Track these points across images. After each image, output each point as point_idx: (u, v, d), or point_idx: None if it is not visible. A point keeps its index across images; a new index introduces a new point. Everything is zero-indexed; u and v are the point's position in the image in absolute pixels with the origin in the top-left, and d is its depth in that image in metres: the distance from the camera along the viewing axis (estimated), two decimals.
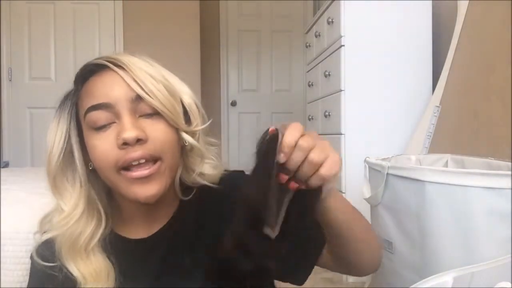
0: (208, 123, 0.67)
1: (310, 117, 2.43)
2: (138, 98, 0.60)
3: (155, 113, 0.61)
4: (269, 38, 4.17)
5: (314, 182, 0.48)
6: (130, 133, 0.57)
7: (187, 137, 0.63)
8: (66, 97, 0.66)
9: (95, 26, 3.41)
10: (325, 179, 0.47)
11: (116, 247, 0.65)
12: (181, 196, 0.68)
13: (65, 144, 0.63)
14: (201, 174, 0.67)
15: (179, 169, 0.66)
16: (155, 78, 0.61)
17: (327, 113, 2.02)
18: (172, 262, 0.66)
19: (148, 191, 0.59)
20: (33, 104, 3.34)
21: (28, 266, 0.95)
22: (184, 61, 3.28)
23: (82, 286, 0.61)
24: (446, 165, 1.32)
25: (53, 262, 0.64)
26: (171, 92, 0.62)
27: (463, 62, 1.58)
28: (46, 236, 0.65)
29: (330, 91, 2.01)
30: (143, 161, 0.59)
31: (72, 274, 0.62)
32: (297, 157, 0.46)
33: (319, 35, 2.22)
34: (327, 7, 2.06)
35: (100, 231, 0.65)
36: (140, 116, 0.60)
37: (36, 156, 3.34)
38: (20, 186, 1.13)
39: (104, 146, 0.59)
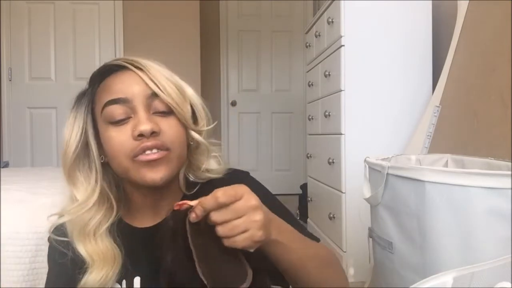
0: (214, 124, 0.74)
1: (310, 117, 2.43)
2: (154, 95, 0.67)
3: (167, 111, 0.68)
4: (269, 38, 4.17)
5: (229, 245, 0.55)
6: (146, 126, 0.64)
7: (195, 135, 0.71)
8: (83, 94, 0.72)
9: (95, 26, 3.42)
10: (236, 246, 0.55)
11: (123, 234, 0.71)
12: (184, 190, 0.74)
13: (81, 138, 0.70)
14: (207, 170, 0.74)
15: (184, 165, 0.73)
16: (169, 79, 0.69)
17: (327, 113, 2.02)
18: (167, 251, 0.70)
19: (155, 174, 0.65)
20: (33, 104, 3.34)
21: (28, 266, 0.95)
22: (184, 61, 3.27)
23: (90, 266, 0.67)
24: (446, 165, 1.32)
25: (65, 242, 0.70)
26: (182, 93, 0.69)
27: (463, 62, 1.58)
28: (60, 221, 0.71)
29: (330, 91, 2.01)
30: (155, 150, 0.65)
31: (81, 255, 0.68)
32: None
33: (319, 35, 2.22)
34: (327, 7, 2.06)
35: (110, 219, 0.71)
36: (154, 113, 0.67)
37: (36, 156, 3.34)
38: (20, 186, 1.13)
39: (121, 137, 0.66)
